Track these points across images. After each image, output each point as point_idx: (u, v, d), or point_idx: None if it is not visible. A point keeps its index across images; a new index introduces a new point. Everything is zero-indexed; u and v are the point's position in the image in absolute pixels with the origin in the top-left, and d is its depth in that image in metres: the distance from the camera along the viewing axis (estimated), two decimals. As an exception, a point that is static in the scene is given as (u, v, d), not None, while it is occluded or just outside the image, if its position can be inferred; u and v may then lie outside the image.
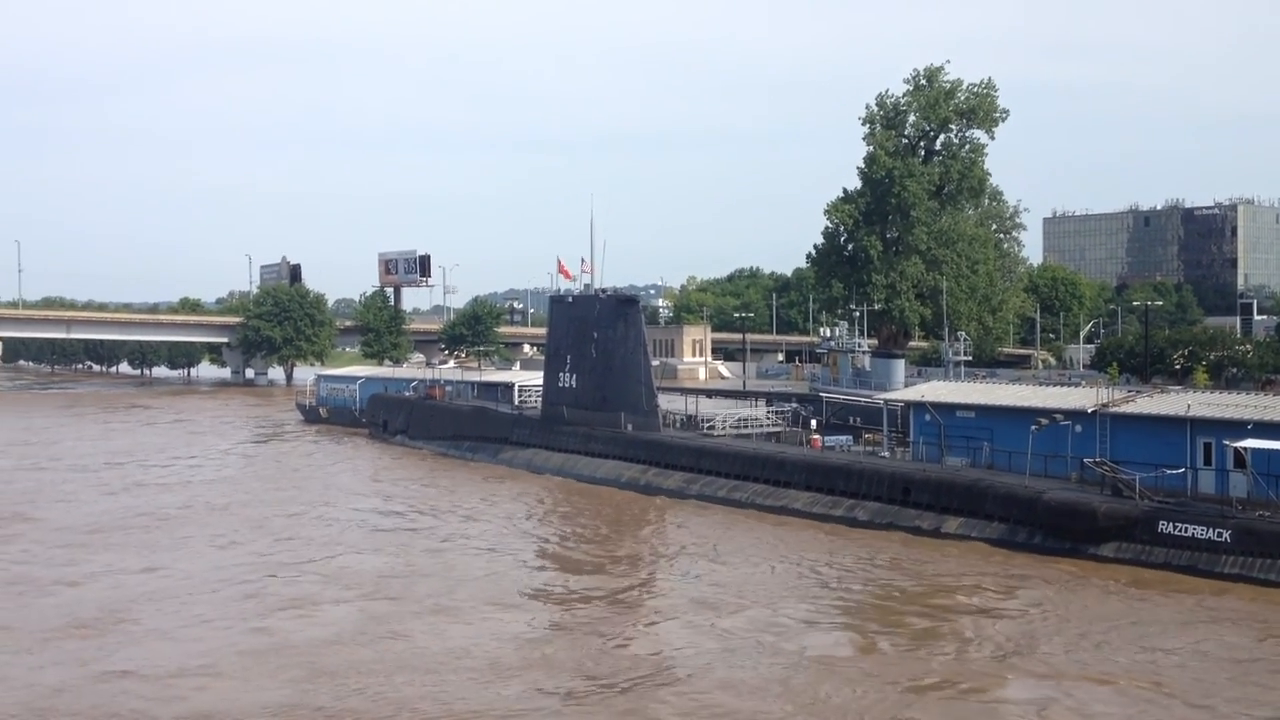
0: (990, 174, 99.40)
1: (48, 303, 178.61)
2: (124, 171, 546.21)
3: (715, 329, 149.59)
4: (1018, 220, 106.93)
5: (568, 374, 58.98)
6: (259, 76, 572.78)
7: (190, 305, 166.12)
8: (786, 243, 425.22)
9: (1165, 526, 33.10)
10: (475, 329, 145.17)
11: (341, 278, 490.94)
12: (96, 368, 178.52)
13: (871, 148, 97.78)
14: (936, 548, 36.27)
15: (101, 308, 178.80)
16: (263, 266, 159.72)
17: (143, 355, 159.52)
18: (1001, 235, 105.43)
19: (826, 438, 49.57)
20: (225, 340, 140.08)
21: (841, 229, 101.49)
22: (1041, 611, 28.87)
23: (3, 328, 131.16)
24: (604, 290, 59.26)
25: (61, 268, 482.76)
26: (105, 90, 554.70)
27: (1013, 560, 34.33)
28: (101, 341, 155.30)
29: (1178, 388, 54.77)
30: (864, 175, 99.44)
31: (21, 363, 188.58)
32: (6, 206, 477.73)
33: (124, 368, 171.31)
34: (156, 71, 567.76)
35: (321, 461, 60.68)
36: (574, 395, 58.23)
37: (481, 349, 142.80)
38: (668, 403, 59.26)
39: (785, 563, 34.92)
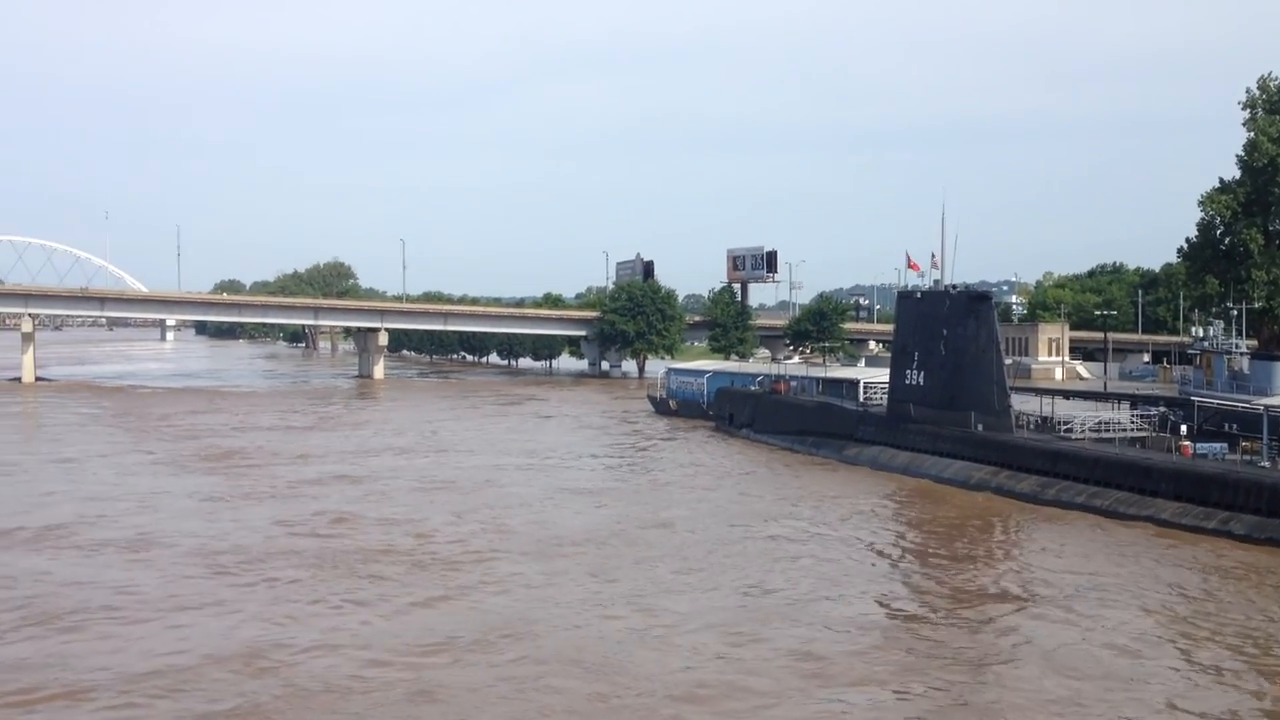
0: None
1: (427, 297, 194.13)
2: (491, 173, 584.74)
3: (1073, 327, 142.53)
4: None
5: (915, 371, 58.21)
6: (613, 80, 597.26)
7: (552, 300, 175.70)
8: (1154, 236, 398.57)
9: None
10: (820, 325, 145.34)
11: (691, 274, 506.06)
12: (470, 358, 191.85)
13: (1252, 134, 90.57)
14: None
15: (474, 302, 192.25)
16: (618, 263, 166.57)
17: (510, 346, 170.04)
18: None
19: (1198, 445, 46.40)
20: (583, 333, 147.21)
21: (1217, 221, 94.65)
22: None
23: (390, 320, 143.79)
24: (954, 286, 58.05)
25: (438, 264, 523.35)
26: (477, 94, 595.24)
27: None
28: (474, 333, 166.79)
29: None
30: (1243, 164, 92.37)
31: (404, 352, 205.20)
32: (391, 207, 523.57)
33: (493, 358, 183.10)
34: (515, 78, 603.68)
35: (713, 462, 61.05)
36: (921, 393, 57.41)
37: (826, 345, 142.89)
38: (1021, 403, 57.30)
39: (1160, 570, 33.35)
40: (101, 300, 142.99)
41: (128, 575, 32.14)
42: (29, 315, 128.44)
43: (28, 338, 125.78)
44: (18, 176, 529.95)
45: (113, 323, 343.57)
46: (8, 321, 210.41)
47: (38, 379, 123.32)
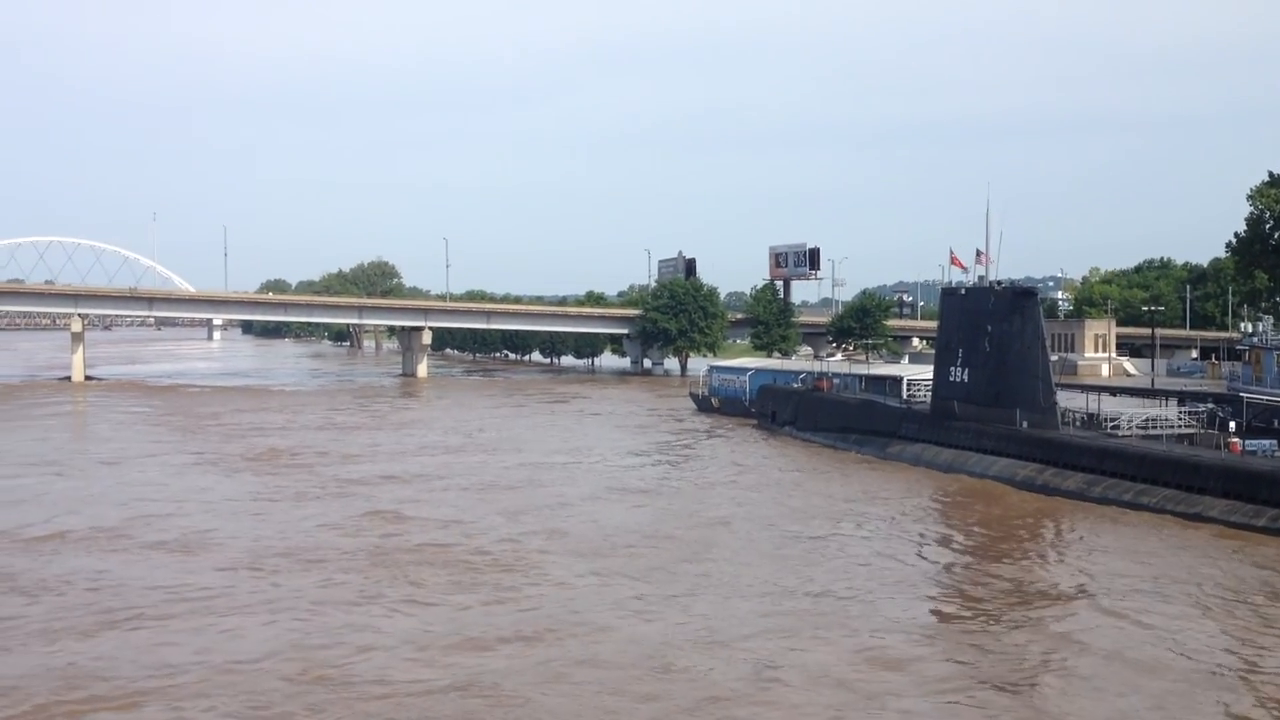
0: None
1: (471, 296, 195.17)
2: (532, 173, 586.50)
3: (1120, 323, 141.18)
4: None
5: (959, 368, 57.84)
6: (654, 81, 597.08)
7: (594, 298, 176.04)
8: (1201, 231, 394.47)
9: None
10: (863, 322, 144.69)
11: (733, 271, 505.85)
12: (512, 356, 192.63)
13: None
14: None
15: (517, 300, 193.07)
16: (660, 261, 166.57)
17: (552, 345, 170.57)
18: None
19: (1247, 442, 45.78)
20: (625, 332, 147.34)
21: (1267, 215, 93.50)
22: None
23: (433, 318, 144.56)
24: (999, 282, 57.61)
25: (481, 263, 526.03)
26: (519, 93, 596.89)
27: None
28: (516, 332, 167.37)
29: None
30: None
31: (447, 351, 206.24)
32: (434, 206, 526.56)
33: (535, 356, 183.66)
34: (558, 77, 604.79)
35: (758, 461, 61.19)
36: (965, 390, 57.04)
37: (869, 342, 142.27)
38: (1067, 400, 56.76)
39: (1212, 569, 32.94)
40: (150, 300, 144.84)
41: (178, 577, 32.13)
42: (78, 315, 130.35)
43: (77, 337, 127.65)
44: (68, 179, 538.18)
45: (160, 322, 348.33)
46: (58, 321, 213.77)
47: (87, 378, 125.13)
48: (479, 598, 29.99)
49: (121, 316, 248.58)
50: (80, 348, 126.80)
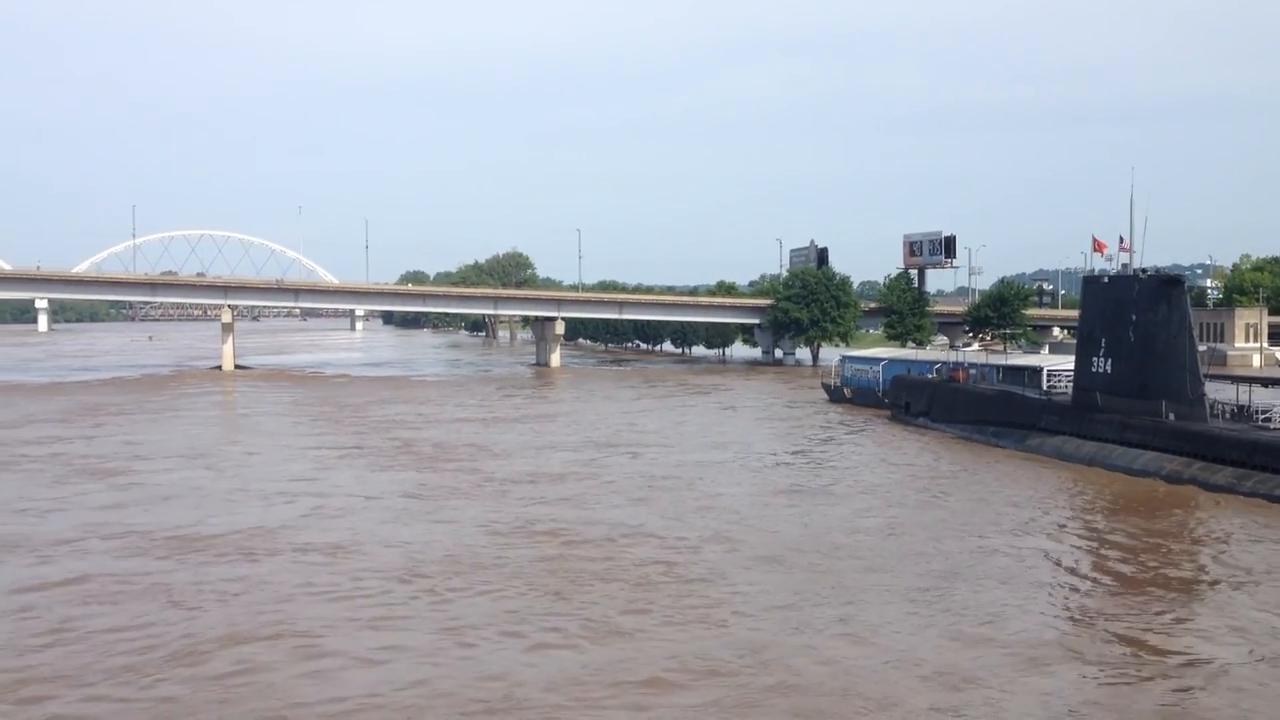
0: None
1: (603, 286, 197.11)
2: (664, 163, 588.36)
3: (1273, 312, 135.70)
4: None
5: (1101, 358, 56.54)
6: (789, 67, 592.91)
7: (725, 288, 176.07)
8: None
9: None
10: (1001, 311, 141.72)
11: (866, 260, 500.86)
12: (644, 346, 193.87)
13: None
14: None
15: (648, 290, 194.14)
16: (792, 250, 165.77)
17: (683, 335, 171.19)
18: None
19: None
20: (756, 321, 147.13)
21: None
22: None
23: (566, 309, 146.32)
24: (1144, 270, 56.12)
25: (614, 255, 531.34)
26: (653, 86, 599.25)
27: None
28: (648, 322, 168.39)
29: None
30: None
31: (580, 340, 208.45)
32: (568, 198, 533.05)
33: (667, 346, 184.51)
34: (692, 68, 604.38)
35: (900, 456, 60.52)
36: (1108, 381, 55.73)
37: (1007, 332, 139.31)
38: (1216, 391, 55.05)
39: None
40: (295, 292, 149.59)
41: (334, 585, 30.99)
42: (228, 306, 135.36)
43: (227, 328, 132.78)
44: (218, 174, 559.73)
45: (305, 313, 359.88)
46: (208, 312, 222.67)
47: (237, 367, 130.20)
48: (656, 618, 27.95)
49: (269, 307, 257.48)
50: (230, 338, 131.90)
